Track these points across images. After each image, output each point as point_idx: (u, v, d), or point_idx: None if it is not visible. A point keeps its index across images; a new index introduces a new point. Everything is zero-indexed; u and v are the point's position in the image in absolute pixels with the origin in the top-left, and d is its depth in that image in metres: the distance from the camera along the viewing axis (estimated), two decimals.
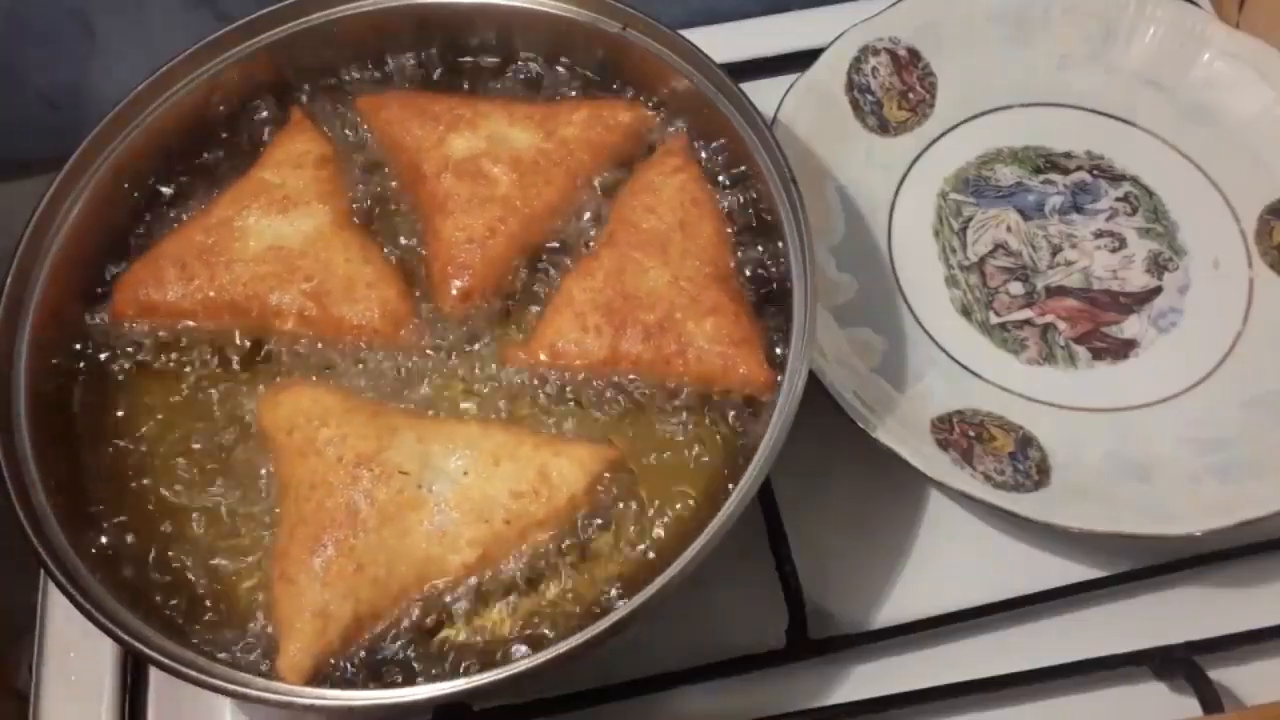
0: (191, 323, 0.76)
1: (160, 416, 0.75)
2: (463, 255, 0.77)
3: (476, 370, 0.76)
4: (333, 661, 0.66)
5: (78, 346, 0.76)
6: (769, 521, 0.80)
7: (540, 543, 0.69)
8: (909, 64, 0.99)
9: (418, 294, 0.78)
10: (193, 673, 0.62)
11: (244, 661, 0.66)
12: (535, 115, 0.81)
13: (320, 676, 0.65)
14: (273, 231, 0.77)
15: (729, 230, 0.78)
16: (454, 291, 0.76)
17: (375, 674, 0.66)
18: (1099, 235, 0.93)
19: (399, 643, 0.67)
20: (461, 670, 0.66)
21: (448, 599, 0.68)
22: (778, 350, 0.74)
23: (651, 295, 0.74)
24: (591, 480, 0.69)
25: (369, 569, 0.66)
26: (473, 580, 0.68)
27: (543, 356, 0.74)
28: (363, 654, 0.66)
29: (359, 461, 0.69)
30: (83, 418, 0.74)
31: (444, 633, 0.68)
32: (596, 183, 0.81)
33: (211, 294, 0.75)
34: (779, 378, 0.71)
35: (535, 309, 0.77)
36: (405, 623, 0.67)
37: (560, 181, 0.79)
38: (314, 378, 0.75)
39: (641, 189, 0.79)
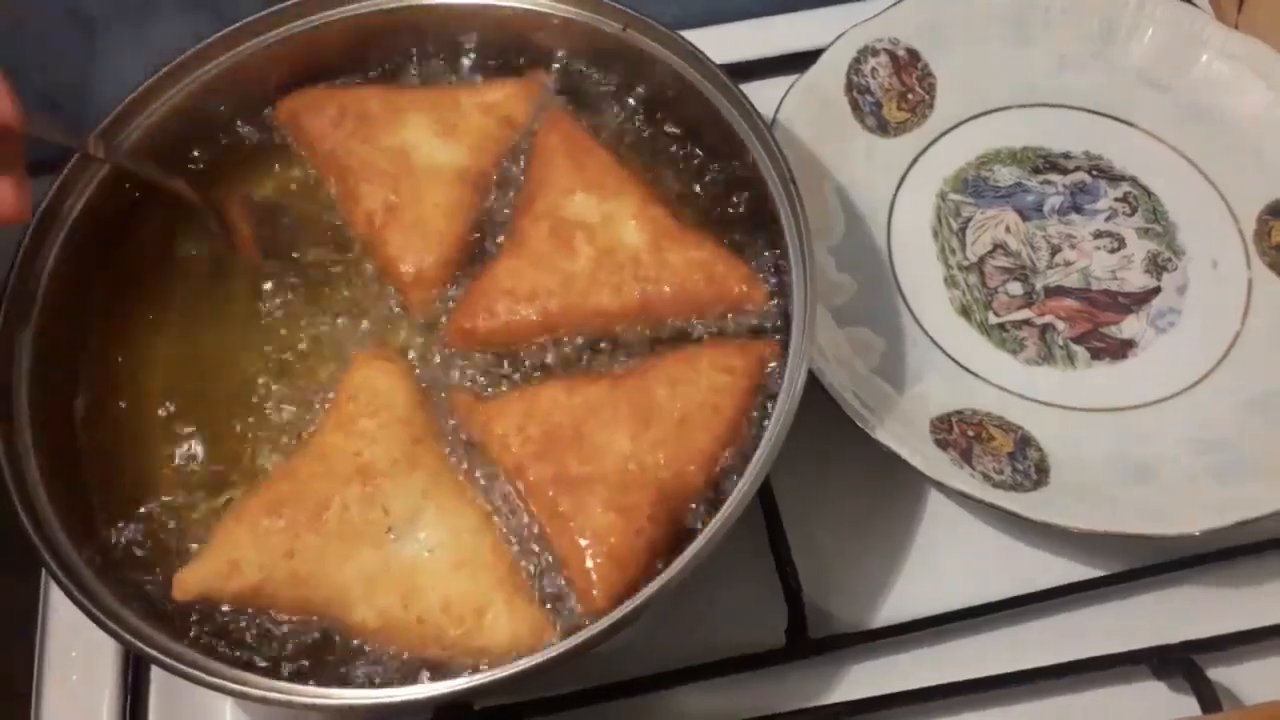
0: None
1: (161, 414, 0.75)
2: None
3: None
4: (214, 609, 0.67)
5: (78, 346, 0.76)
6: (769, 521, 0.80)
7: (429, 657, 0.66)
8: (908, 64, 0.99)
9: None
10: (193, 672, 0.62)
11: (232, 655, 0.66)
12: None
13: (198, 610, 0.67)
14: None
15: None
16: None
17: (233, 643, 0.67)
18: (1098, 235, 0.93)
19: (275, 632, 0.67)
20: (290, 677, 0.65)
21: (331, 636, 0.67)
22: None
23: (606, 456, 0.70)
24: (507, 647, 0.66)
25: (297, 563, 0.66)
26: (361, 643, 0.67)
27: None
28: (241, 622, 0.67)
29: (363, 471, 0.68)
30: (83, 416, 0.74)
31: (312, 655, 0.67)
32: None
33: None
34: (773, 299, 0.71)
35: None
36: (289, 625, 0.67)
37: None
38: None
39: (685, 360, 0.73)
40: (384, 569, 0.66)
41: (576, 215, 0.77)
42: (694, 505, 0.70)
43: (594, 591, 0.66)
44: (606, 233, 0.76)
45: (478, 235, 0.79)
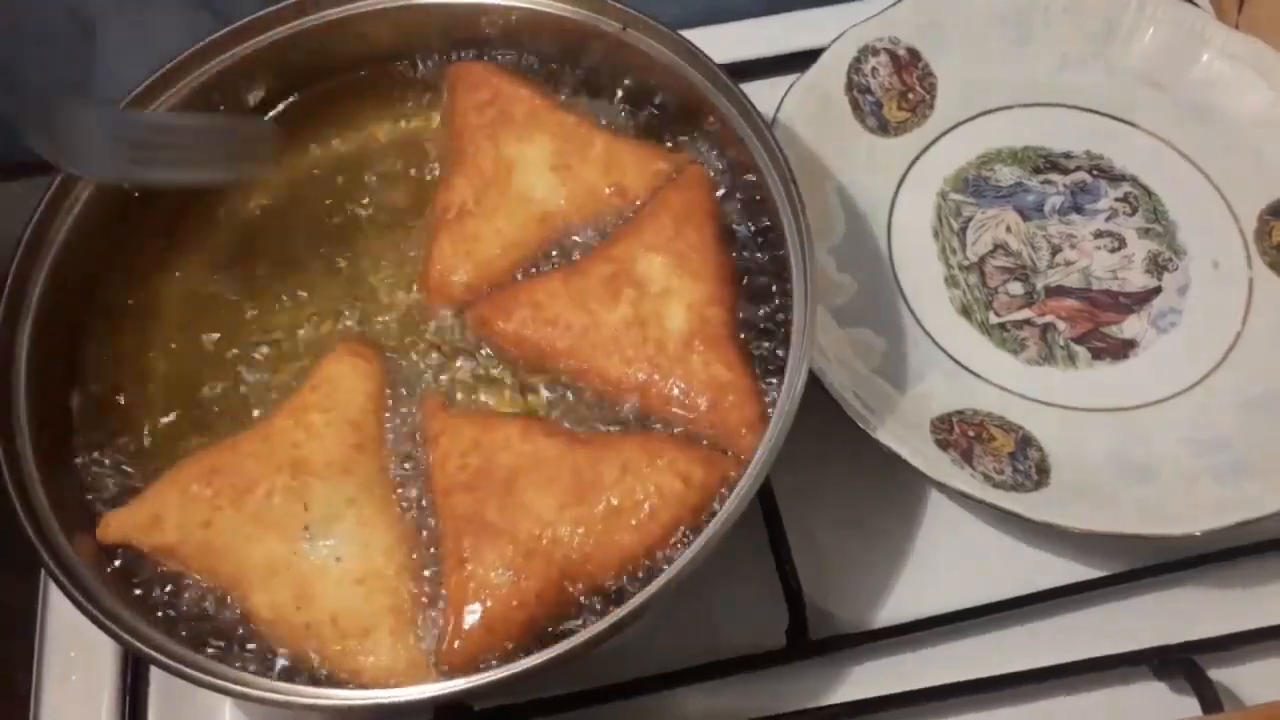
0: None
1: (162, 412, 0.75)
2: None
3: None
4: (130, 558, 0.68)
5: (77, 345, 0.76)
6: (769, 521, 0.80)
7: (309, 664, 0.66)
8: (909, 64, 0.99)
9: None
10: (193, 672, 0.62)
11: (235, 655, 0.66)
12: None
13: (115, 559, 0.68)
14: None
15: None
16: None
17: (141, 592, 0.68)
18: (1098, 235, 0.93)
19: (177, 596, 0.68)
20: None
21: (224, 610, 0.67)
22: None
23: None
24: (381, 676, 0.65)
25: (212, 534, 0.67)
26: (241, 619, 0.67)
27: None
28: (150, 575, 0.68)
29: (297, 464, 0.68)
30: (81, 415, 0.74)
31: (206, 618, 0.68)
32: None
33: None
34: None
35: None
36: (192, 590, 0.68)
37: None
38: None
39: (645, 450, 0.69)
40: (288, 565, 0.66)
41: (642, 274, 0.74)
42: (587, 600, 0.66)
43: (454, 643, 0.64)
44: (654, 305, 0.73)
45: (520, 273, 0.77)
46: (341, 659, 0.65)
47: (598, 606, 0.66)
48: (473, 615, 0.65)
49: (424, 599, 0.67)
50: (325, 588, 0.66)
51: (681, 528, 0.67)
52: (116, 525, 0.68)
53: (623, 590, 0.66)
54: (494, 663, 0.64)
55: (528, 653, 0.63)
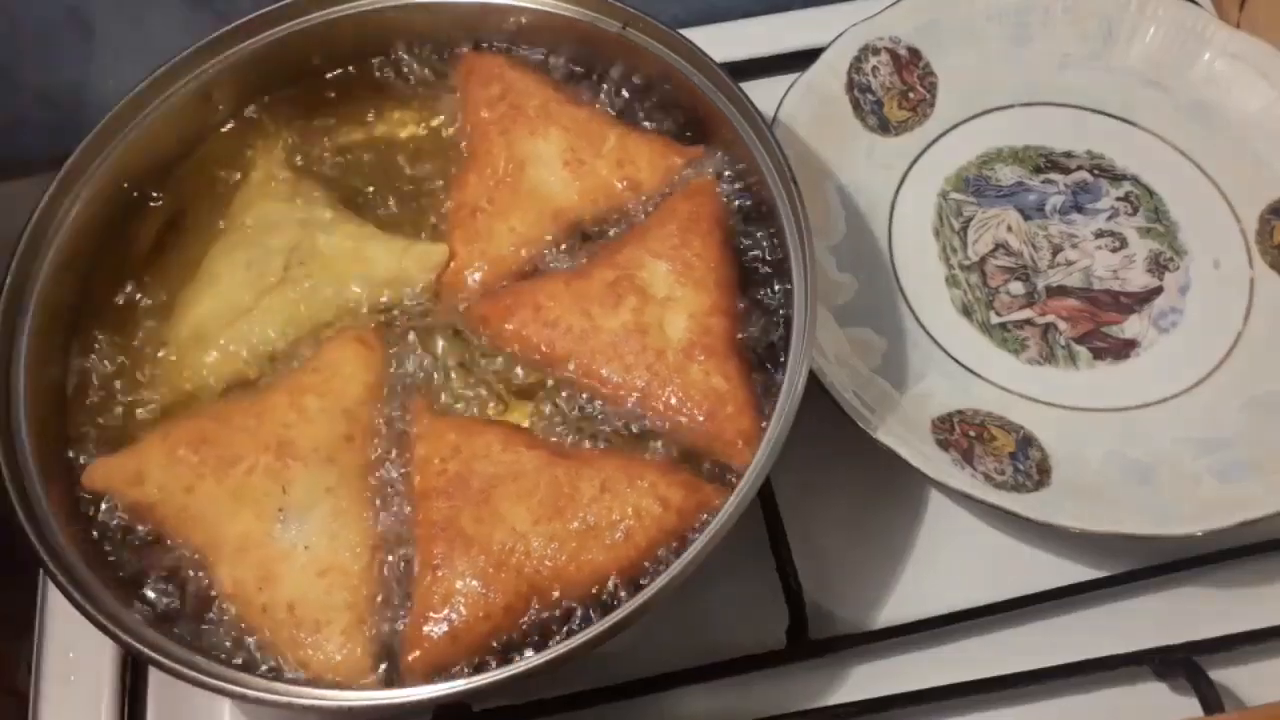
0: None
1: (163, 415, 0.75)
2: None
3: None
4: (107, 511, 0.69)
5: (77, 346, 0.76)
6: (769, 521, 0.80)
7: (261, 646, 0.66)
8: (909, 63, 0.99)
9: None
10: (193, 673, 0.62)
11: (234, 662, 0.66)
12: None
13: (90, 506, 0.69)
14: None
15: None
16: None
17: (121, 551, 0.68)
18: (1100, 235, 0.93)
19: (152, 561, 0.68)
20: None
21: (187, 581, 0.68)
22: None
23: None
24: (321, 671, 0.65)
25: (191, 500, 0.67)
26: (209, 589, 0.67)
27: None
28: (132, 534, 0.69)
29: (283, 445, 0.68)
30: (83, 417, 0.74)
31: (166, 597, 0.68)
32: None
33: None
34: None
35: None
36: (167, 559, 0.68)
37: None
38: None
39: (627, 469, 0.68)
40: (258, 543, 0.66)
41: (645, 281, 0.74)
42: (555, 616, 0.66)
43: (415, 651, 0.64)
44: (656, 312, 0.73)
45: (534, 269, 0.77)
46: (292, 647, 0.65)
47: (567, 623, 0.66)
48: (439, 624, 0.64)
49: (385, 602, 0.66)
50: (289, 573, 0.66)
51: (657, 548, 0.66)
52: (102, 472, 0.69)
53: (591, 608, 0.66)
54: (490, 667, 0.64)
55: (496, 664, 0.63)
